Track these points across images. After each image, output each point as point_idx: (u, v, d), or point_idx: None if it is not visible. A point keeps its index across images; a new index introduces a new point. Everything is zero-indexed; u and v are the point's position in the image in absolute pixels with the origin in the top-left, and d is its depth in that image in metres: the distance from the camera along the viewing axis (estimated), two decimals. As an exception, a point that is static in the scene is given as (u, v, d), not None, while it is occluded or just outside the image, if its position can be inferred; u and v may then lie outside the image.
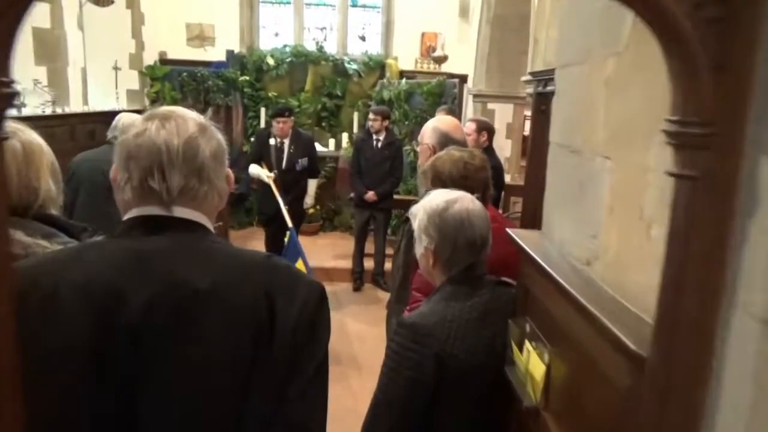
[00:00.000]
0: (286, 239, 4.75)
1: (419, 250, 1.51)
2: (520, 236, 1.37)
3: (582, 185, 1.15)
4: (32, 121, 4.80)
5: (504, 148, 6.42)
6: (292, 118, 5.22)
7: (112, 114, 6.18)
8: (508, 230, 1.43)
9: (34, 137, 1.34)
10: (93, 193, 3.08)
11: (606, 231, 1.01)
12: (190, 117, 1.02)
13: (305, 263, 4.45)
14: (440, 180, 1.95)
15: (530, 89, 4.03)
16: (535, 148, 3.89)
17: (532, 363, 1.20)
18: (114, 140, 3.14)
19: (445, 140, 2.35)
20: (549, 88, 3.58)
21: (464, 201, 1.46)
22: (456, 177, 1.91)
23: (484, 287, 1.47)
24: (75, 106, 5.58)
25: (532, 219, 3.87)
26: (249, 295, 0.94)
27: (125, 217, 1.00)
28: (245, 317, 0.93)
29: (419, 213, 1.49)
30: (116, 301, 0.88)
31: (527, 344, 1.26)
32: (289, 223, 4.72)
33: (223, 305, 0.92)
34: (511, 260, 1.54)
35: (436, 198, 1.49)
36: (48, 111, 5.13)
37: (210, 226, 1.03)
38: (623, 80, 0.99)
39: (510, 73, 6.42)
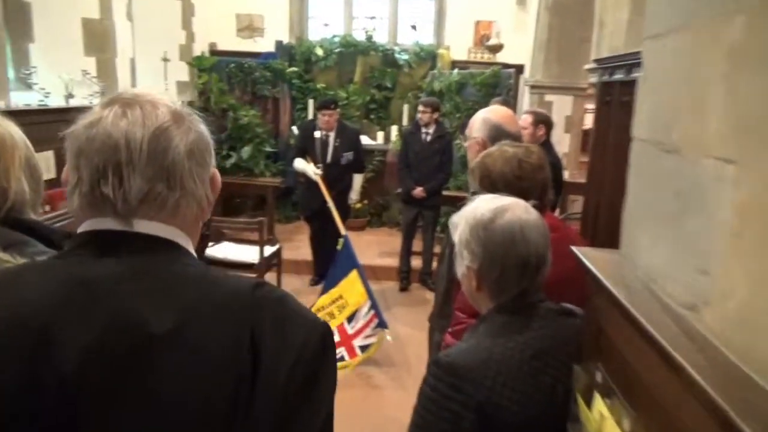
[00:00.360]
0: (339, 246, 4.53)
1: (460, 268, 1.24)
2: (590, 257, 1.07)
3: (681, 197, 0.85)
4: (80, 111, 4.78)
5: (562, 142, 6.03)
6: (338, 110, 5.02)
7: (161, 106, 6.20)
8: (574, 249, 1.13)
9: (6, 128, 1.14)
10: None
11: (725, 266, 0.72)
12: (163, 102, 0.80)
13: (362, 276, 4.20)
14: (490, 180, 1.66)
15: (594, 78, 3.66)
16: (598, 143, 3.53)
17: (607, 429, 0.92)
18: None
19: (497, 133, 2.06)
20: (616, 77, 3.20)
21: (516, 210, 1.19)
22: (509, 178, 1.63)
23: (541, 318, 1.18)
24: (123, 97, 5.55)
25: (594, 221, 3.52)
26: (227, 338, 0.72)
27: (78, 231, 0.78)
28: (220, 368, 0.71)
29: (460, 223, 1.22)
30: (46, 347, 0.67)
31: (599, 401, 0.97)
32: (342, 230, 4.51)
33: (190, 352, 0.70)
34: (575, 279, 1.26)
35: (482, 205, 1.21)
36: (96, 102, 5.11)
37: (187, 243, 0.81)
38: (757, 49, 0.69)
39: (570, 62, 6.06)
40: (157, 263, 0.75)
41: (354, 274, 4.20)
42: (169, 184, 0.76)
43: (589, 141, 4.18)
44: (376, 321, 4.01)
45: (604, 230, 3.29)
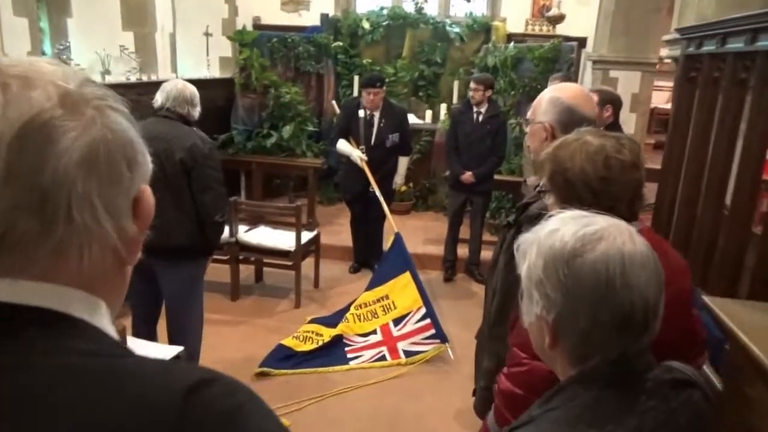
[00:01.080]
0: (388, 244, 4.26)
1: (528, 315, 0.89)
2: (728, 312, 0.73)
3: None
4: (116, 88, 4.63)
5: (627, 123, 5.51)
6: (384, 88, 4.66)
7: (202, 82, 6.02)
8: (706, 299, 0.78)
9: None
10: None
11: None
12: (47, 79, 0.50)
13: (416, 280, 3.93)
14: (564, 180, 1.30)
15: (675, 51, 3.18)
16: (678, 125, 3.07)
17: None
18: (166, 112, 2.73)
19: (570, 118, 1.68)
20: (705, 49, 2.73)
21: (615, 237, 0.82)
22: (591, 179, 1.26)
23: (648, 396, 0.81)
24: (163, 73, 5.38)
25: (669, 213, 3.07)
26: None
27: None
28: None
29: (530, 252, 0.87)
30: None
31: None
32: (395, 228, 4.23)
33: None
34: (674, 315, 0.91)
35: (563, 229, 0.85)
36: (133, 78, 4.95)
37: (91, 311, 0.51)
38: None
39: (638, 34, 5.52)
40: (19, 355, 0.46)
41: (407, 277, 3.94)
42: (43, 215, 0.46)
43: (666, 123, 3.70)
44: (431, 332, 3.74)
45: (682, 228, 2.85)
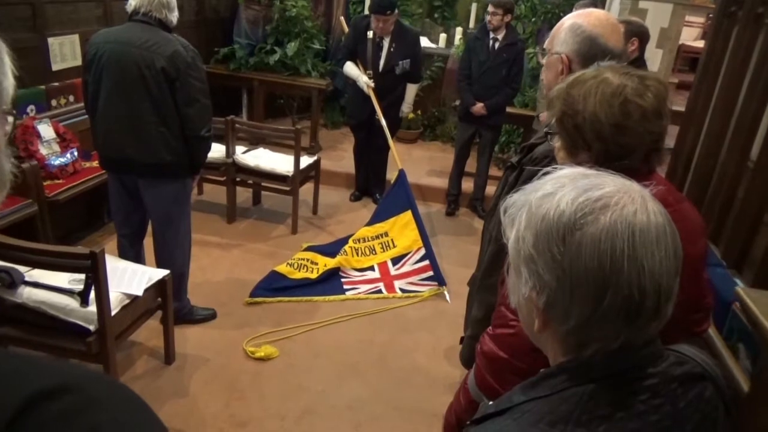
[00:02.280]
0: (392, 173, 4.11)
1: (515, 294, 0.74)
2: (763, 305, 0.59)
3: None
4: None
5: (653, 59, 5.21)
6: (396, 12, 4.33)
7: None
8: (739, 290, 0.63)
9: None
10: (118, 84, 2.51)
11: None
12: None
13: (417, 220, 3.82)
14: (574, 123, 1.13)
15: (716, -19, 2.87)
16: (709, 66, 2.82)
17: None
18: (143, 17, 2.50)
19: (591, 49, 1.47)
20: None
21: (623, 204, 0.66)
22: (602, 126, 1.09)
23: (651, 391, 0.67)
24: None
25: (688, 160, 2.89)
26: None
27: None
28: None
29: (520, 217, 0.71)
30: None
31: None
32: (399, 164, 4.08)
33: None
34: (688, 279, 0.78)
35: (560, 193, 0.68)
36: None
37: None
38: None
39: (675, -38, 5.07)
40: None
41: (408, 216, 3.84)
42: None
43: (692, 62, 3.44)
44: (429, 273, 3.68)
45: (700, 178, 2.68)
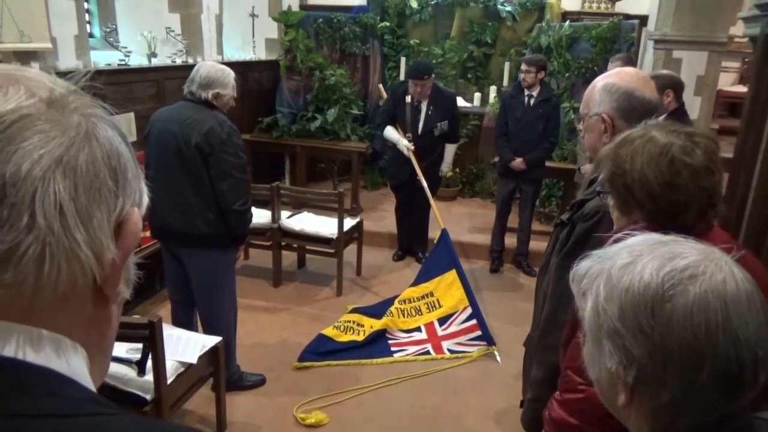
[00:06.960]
0: (433, 232, 4.12)
1: (595, 367, 0.72)
2: None
3: None
4: (162, 71, 4.63)
5: (692, 107, 5.17)
6: (433, 76, 4.46)
7: (247, 64, 5.97)
8: None
9: None
10: (162, 158, 2.66)
11: None
12: (37, 80, 0.45)
13: (462, 279, 3.80)
14: (623, 183, 1.14)
15: (753, 28, 2.88)
16: (755, 111, 2.78)
17: None
18: (191, 96, 2.66)
19: (631, 103, 1.49)
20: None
21: (711, 273, 0.64)
22: (653, 186, 1.08)
23: None
24: (209, 55, 5.34)
25: (740, 208, 2.81)
26: None
27: None
28: None
29: (595, 288, 0.69)
30: None
31: None
32: (441, 223, 4.09)
33: None
34: None
35: (640, 263, 0.67)
36: (179, 61, 4.93)
37: (60, 357, 0.42)
38: None
39: (705, 11, 5.18)
40: None
41: (452, 275, 3.81)
42: None
43: (731, 106, 3.40)
44: (477, 333, 3.62)
45: (756, 226, 2.60)
